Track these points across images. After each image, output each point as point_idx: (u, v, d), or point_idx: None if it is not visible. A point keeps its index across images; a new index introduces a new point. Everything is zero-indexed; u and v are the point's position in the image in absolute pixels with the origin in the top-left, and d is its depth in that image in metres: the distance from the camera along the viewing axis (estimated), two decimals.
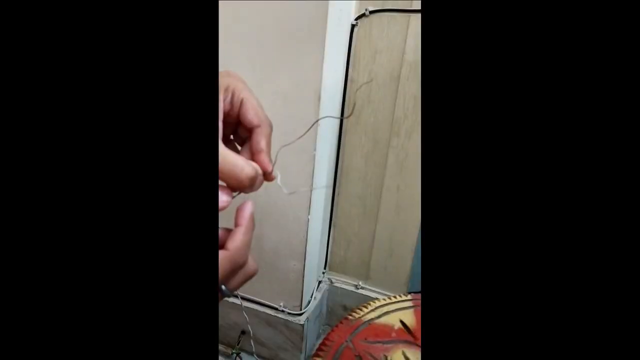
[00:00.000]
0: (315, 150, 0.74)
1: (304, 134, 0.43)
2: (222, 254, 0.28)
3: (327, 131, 0.81)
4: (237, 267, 0.29)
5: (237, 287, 0.31)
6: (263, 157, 0.31)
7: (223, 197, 0.28)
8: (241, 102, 0.31)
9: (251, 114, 0.31)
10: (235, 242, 0.29)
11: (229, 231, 0.30)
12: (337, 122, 0.85)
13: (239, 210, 0.30)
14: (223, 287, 0.29)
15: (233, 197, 0.29)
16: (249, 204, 0.30)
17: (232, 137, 0.34)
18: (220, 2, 0.27)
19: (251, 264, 0.31)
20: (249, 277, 0.31)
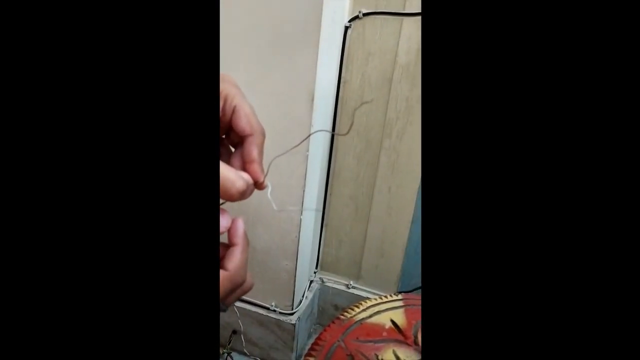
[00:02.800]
0: (308, 150, 0.75)
1: (298, 144, 0.43)
2: (222, 274, 0.28)
3: (320, 132, 0.82)
4: (236, 286, 0.30)
5: (233, 302, 0.32)
6: (255, 168, 0.31)
7: None
8: (234, 110, 0.30)
9: (243, 122, 0.30)
10: (235, 262, 0.29)
11: (225, 246, 0.30)
12: (330, 123, 0.86)
13: (232, 229, 0.30)
14: (220, 303, 0.29)
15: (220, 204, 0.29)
16: (240, 222, 0.30)
17: (223, 136, 0.34)
18: None
19: (248, 280, 0.32)
20: (246, 292, 0.32)
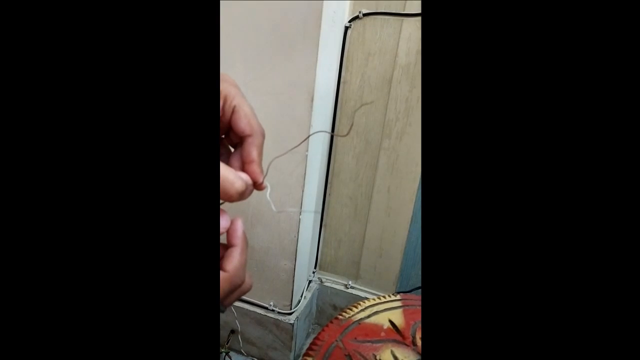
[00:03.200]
0: (307, 151, 0.75)
1: (297, 145, 0.44)
2: (221, 275, 0.28)
3: (320, 132, 0.82)
4: (235, 287, 0.30)
5: (232, 303, 0.32)
6: (254, 168, 0.30)
7: None
8: (233, 110, 0.30)
9: (243, 123, 0.30)
10: (234, 263, 0.29)
11: (224, 247, 0.30)
12: (330, 123, 0.86)
13: (231, 230, 0.30)
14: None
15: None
16: (239, 222, 0.30)
17: (222, 136, 0.33)
18: None
19: (247, 281, 0.31)
20: (245, 293, 0.32)
